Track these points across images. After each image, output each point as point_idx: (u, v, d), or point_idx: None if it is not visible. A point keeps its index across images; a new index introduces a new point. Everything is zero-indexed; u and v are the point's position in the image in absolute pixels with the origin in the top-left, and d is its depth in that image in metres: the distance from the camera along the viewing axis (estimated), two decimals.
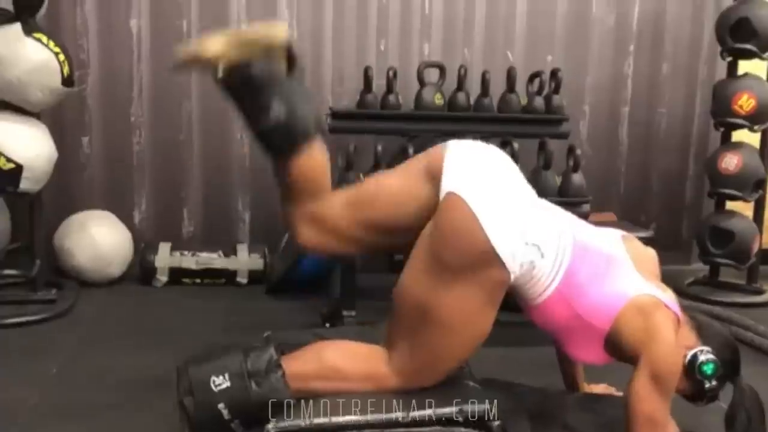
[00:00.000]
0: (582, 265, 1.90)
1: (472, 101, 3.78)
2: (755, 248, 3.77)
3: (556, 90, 3.83)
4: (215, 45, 1.84)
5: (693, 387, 1.96)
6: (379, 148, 3.49)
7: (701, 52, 4.39)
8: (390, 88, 3.72)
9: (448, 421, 1.72)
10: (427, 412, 1.71)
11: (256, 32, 1.90)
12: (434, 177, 1.90)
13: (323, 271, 3.68)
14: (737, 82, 3.66)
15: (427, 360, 1.86)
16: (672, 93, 4.40)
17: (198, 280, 3.82)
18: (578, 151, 3.51)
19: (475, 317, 1.84)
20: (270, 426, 1.71)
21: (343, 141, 3.98)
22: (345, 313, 2.99)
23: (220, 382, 1.81)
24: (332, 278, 3.46)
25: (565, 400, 2.20)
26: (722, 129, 3.82)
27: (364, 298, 3.11)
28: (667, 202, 4.50)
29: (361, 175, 3.57)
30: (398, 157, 3.45)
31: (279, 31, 1.88)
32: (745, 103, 3.60)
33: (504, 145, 3.49)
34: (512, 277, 1.82)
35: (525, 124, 3.77)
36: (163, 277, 3.78)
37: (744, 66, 3.83)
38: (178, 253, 3.81)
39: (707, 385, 1.95)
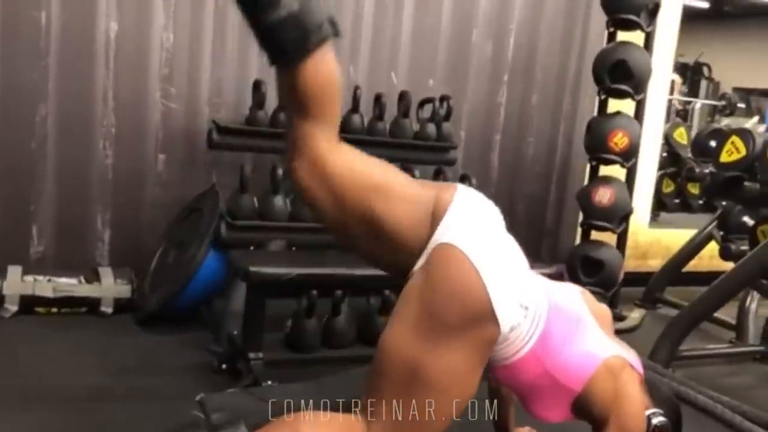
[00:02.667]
0: (555, 325, 1.85)
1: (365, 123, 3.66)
2: (621, 275, 3.99)
3: (447, 117, 3.83)
4: None
5: None
6: (249, 170, 3.28)
7: (566, 85, 4.60)
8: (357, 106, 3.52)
9: None
10: None
11: None
12: (436, 216, 1.75)
13: (205, 299, 3.40)
14: (612, 120, 3.86)
15: (415, 427, 1.71)
16: (539, 123, 4.57)
17: (55, 310, 3.35)
18: (473, 180, 3.51)
19: (467, 379, 1.71)
20: None
21: (221, 158, 3.75)
22: (252, 356, 2.73)
23: None
24: (222, 308, 3.19)
25: None
26: (595, 163, 3.99)
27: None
28: (530, 226, 4.67)
29: (255, 200, 3.34)
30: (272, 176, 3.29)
31: None
32: (620, 140, 3.80)
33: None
34: (499, 337, 1.73)
35: (417, 150, 3.72)
36: (12, 306, 3.28)
37: (613, 104, 4.05)
38: (30, 278, 3.32)
39: None
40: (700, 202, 6.19)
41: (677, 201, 6.17)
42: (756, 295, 3.98)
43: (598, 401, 1.84)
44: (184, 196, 3.69)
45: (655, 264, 5.01)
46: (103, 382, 2.72)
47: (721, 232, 4.20)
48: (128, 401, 2.60)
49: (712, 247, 4.48)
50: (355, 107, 3.63)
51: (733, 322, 4.01)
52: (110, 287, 3.44)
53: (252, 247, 3.33)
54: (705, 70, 13.18)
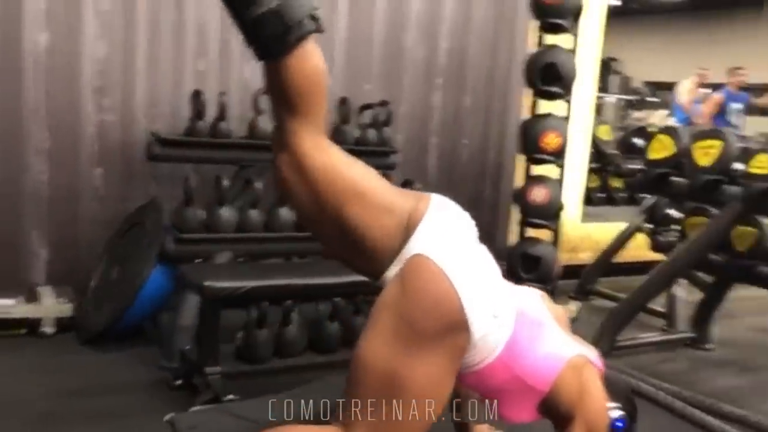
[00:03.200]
0: (522, 330, 1.92)
1: None
2: (556, 269, 4.13)
3: (386, 122, 3.88)
4: None
5: None
6: (194, 181, 3.25)
7: (496, 87, 4.72)
8: (222, 115, 3.48)
9: None
10: None
11: None
12: (411, 225, 1.79)
13: (151, 315, 3.34)
14: (544, 121, 3.98)
15: None
16: (472, 125, 4.68)
17: None
18: (417, 185, 3.57)
19: (442, 384, 1.76)
20: None
21: (160, 169, 3.70)
22: (208, 370, 2.71)
23: None
24: (171, 323, 3.14)
25: None
26: (529, 163, 4.11)
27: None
28: None
29: (201, 212, 3.31)
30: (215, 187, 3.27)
31: None
32: (552, 141, 3.92)
33: None
34: (471, 342, 1.78)
35: (359, 155, 3.73)
36: None
37: (543, 105, 4.18)
38: None
39: None
40: (623, 195, 6.48)
41: (602, 195, 6.43)
42: (684, 283, 4.20)
43: (565, 399, 1.93)
44: (123, 210, 3.62)
45: (585, 257, 5.20)
46: (54, 405, 2.65)
47: (649, 225, 4.39)
48: (84, 424, 2.54)
49: (639, 238, 4.72)
50: None
51: (663, 310, 4.21)
52: (51, 307, 3.35)
53: (199, 260, 3.30)
54: (615, 65, 13.69)
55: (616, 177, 6.01)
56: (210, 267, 3.09)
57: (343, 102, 3.76)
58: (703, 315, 3.97)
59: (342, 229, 1.75)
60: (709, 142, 3.28)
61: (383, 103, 3.88)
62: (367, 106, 3.86)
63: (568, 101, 4.09)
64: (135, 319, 3.26)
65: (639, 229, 4.70)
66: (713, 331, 4.00)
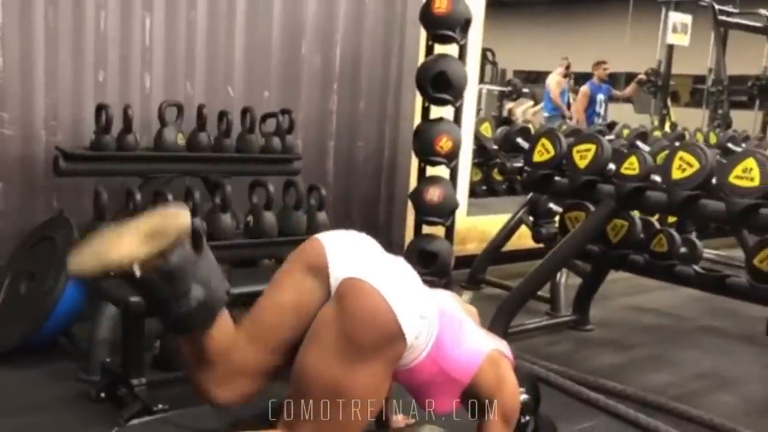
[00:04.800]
0: (446, 330, 2.16)
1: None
2: (452, 263, 4.43)
3: (290, 130, 4.02)
4: (121, 247, 1.66)
5: None
6: (105, 196, 3.30)
7: (389, 91, 4.95)
8: (128, 127, 3.52)
9: None
10: None
11: (159, 222, 1.73)
12: (318, 271, 2.01)
13: (65, 329, 3.36)
14: (437, 126, 4.25)
15: None
16: (367, 128, 4.89)
17: None
18: (322, 191, 3.74)
19: (380, 389, 1.98)
20: None
21: (62, 183, 3.68)
22: (134, 382, 2.79)
23: None
24: (88, 337, 3.18)
25: None
26: (423, 165, 4.38)
27: None
28: (365, 225, 4.98)
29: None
30: (127, 201, 3.33)
31: (181, 215, 1.74)
32: (445, 144, 4.20)
33: (216, 186, 3.59)
34: (405, 349, 2.00)
35: (264, 163, 3.89)
36: None
37: (434, 110, 4.46)
38: None
39: (523, 420, 2.38)
40: (503, 186, 6.90)
41: (484, 187, 6.82)
42: (565, 270, 4.60)
43: (484, 389, 2.20)
44: (25, 225, 3.59)
45: (472, 248, 5.55)
46: None
47: (531, 218, 4.77)
48: None
49: (520, 228, 5.11)
50: (201, 126, 3.72)
51: (547, 295, 4.59)
52: None
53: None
54: (489, 55, 14.21)
55: (502, 175, 6.40)
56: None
57: (246, 112, 3.87)
58: (583, 299, 4.38)
59: (296, 341, 2.00)
60: (585, 145, 3.64)
61: (285, 111, 4.02)
62: (269, 115, 3.99)
63: (459, 107, 4.38)
64: (48, 334, 3.27)
65: (521, 222, 5.10)
66: (591, 312, 4.43)
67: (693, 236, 3.87)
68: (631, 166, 3.47)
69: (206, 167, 3.73)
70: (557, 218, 4.35)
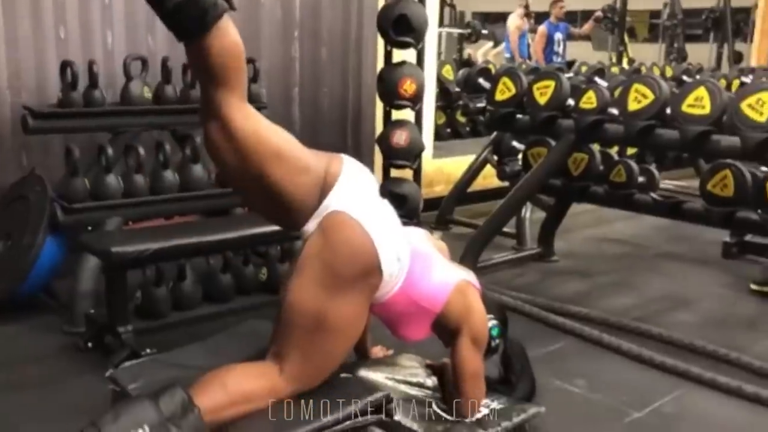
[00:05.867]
0: (416, 264, 2.30)
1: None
2: (421, 205, 4.54)
3: (254, 79, 4.06)
4: None
5: None
6: (77, 152, 3.33)
7: (350, 38, 4.99)
8: (94, 83, 3.53)
9: (362, 413, 1.98)
10: (347, 409, 1.95)
11: None
12: (328, 183, 2.06)
13: (44, 285, 3.42)
14: (400, 69, 4.29)
15: (321, 362, 2.07)
16: (331, 75, 4.94)
17: None
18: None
19: (360, 319, 2.11)
20: None
21: (29, 141, 3.70)
22: (121, 329, 2.88)
23: None
24: (70, 290, 3.25)
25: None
26: (389, 109, 4.45)
27: None
28: None
29: (86, 181, 3.39)
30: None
31: None
32: (409, 87, 4.26)
33: (185, 138, 3.64)
34: (383, 281, 2.13)
35: None
36: None
37: (396, 54, 4.51)
38: None
39: (493, 344, 2.54)
40: (467, 129, 7.02)
41: (449, 130, 6.93)
42: (529, 205, 4.75)
43: (453, 317, 2.34)
44: None
45: (440, 190, 5.68)
46: None
47: (495, 157, 4.90)
48: (10, 395, 2.63)
49: (485, 168, 5.24)
50: (166, 78, 3.74)
51: (513, 231, 4.75)
52: None
53: (90, 228, 3.40)
54: None
55: (465, 116, 6.49)
56: (112, 234, 3.21)
57: None
58: (547, 232, 4.54)
59: (264, 187, 2.01)
60: (545, 82, 3.75)
61: (249, 61, 4.04)
62: None
63: (421, 50, 4.43)
64: (29, 291, 3.33)
65: (486, 161, 5.23)
66: (556, 244, 4.61)
67: (652, 167, 4.03)
68: (589, 101, 3.60)
69: (174, 119, 3.77)
70: (520, 156, 4.48)
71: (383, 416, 2.05)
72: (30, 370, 2.84)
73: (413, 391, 2.52)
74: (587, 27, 11.24)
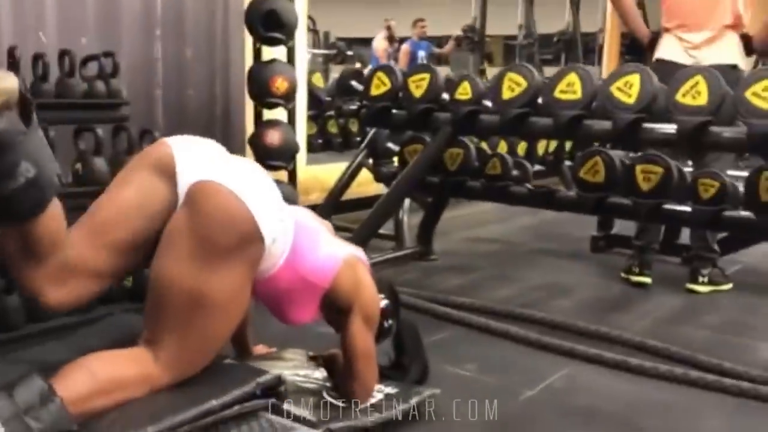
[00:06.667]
0: (302, 236, 2.15)
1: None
2: None
3: (114, 73, 3.78)
4: None
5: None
6: None
7: (217, 37, 4.80)
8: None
9: (251, 396, 1.80)
10: (234, 393, 1.76)
11: None
12: (166, 172, 1.91)
13: None
14: (271, 66, 4.16)
15: (200, 346, 1.88)
16: (197, 76, 4.72)
17: None
18: (156, 134, 3.57)
19: (242, 294, 1.93)
20: None
21: None
22: None
23: None
24: None
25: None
26: (261, 109, 4.29)
27: None
28: None
29: None
30: None
31: (9, 79, 1.58)
32: (281, 84, 4.13)
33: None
34: (264, 250, 1.96)
35: (89, 109, 3.63)
36: None
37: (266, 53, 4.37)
38: None
39: (385, 325, 2.43)
40: (339, 141, 6.94)
41: (320, 141, 6.82)
42: (407, 208, 4.70)
43: (343, 293, 2.21)
44: None
45: (315, 198, 5.53)
46: None
47: (371, 159, 4.83)
48: None
49: (361, 176, 5.16)
50: (13, 69, 3.41)
51: (392, 233, 4.68)
52: None
53: None
54: (309, 23, 14.16)
55: (340, 117, 6.41)
56: None
57: (65, 54, 3.59)
58: (426, 230, 4.51)
59: (136, 241, 1.93)
60: (420, 75, 3.73)
61: (108, 54, 3.77)
62: (90, 57, 3.72)
63: (291, 47, 4.32)
64: None
65: (362, 165, 5.15)
66: (434, 245, 4.59)
67: (524, 161, 4.10)
68: (464, 91, 3.60)
69: None
70: (396, 156, 4.44)
71: (274, 400, 1.87)
72: None
73: (302, 383, 2.37)
74: (448, 47, 11.55)
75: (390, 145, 4.63)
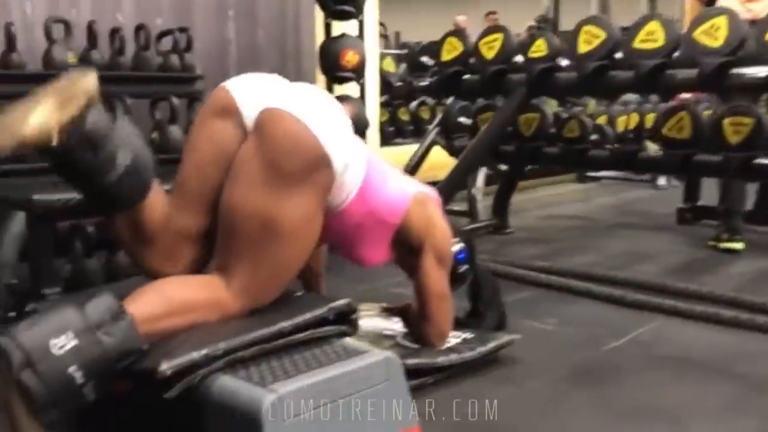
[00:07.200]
0: (373, 170, 2.09)
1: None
2: None
3: (188, 48, 3.84)
4: (33, 118, 1.52)
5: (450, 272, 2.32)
6: None
7: (287, 19, 4.83)
8: (11, 46, 3.26)
9: (323, 321, 1.74)
10: (306, 316, 1.71)
11: (68, 87, 1.60)
12: (229, 112, 1.88)
13: None
14: (341, 40, 4.14)
15: (271, 273, 1.83)
16: (268, 56, 4.76)
17: None
18: None
19: (313, 222, 1.87)
20: (164, 367, 1.50)
21: None
22: (47, 291, 2.58)
23: (64, 343, 1.52)
24: None
25: None
26: (334, 83, 4.27)
27: None
28: None
29: None
30: None
31: (89, 78, 1.62)
32: (351, 58, 4.10)
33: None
34: (335, 178, 1.91)
35: (164, 83, 3.70)
36: None
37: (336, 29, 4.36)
38: None
39: (460, 270, 2.34)
40: (411, 128, 6.88)
41: (392, 129, 6.78)
42: (480, 185, 4.58)
43: (414, 229, 2.14)
44: None
45: None
46: None
47: (444, 135, 4.76)
48: None
49: (433, 159, 5.08)
50: (92, 43, 3.50)
51: (465, 209, 4.58)
52: None
53: None
54: (381, 29, 14.20)
55: (408, 104, 6.34)
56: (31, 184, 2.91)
57: (140, 28, 3.67)
58: (502, 201, 4.40)
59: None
60: (492, 36, 3.64)
61: (182, 30, 3.83)
62: (165, 33, 3.79)
63: (361, 21, 4.29)
64: None
65: (434, 142, 5.08)
66: (509, 222, 4.47)
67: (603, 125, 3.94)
68: (539, 49, 3.49)
69: (102, 87, 3.50)
70: (470, 125, 4.35)
71: (347, 327, 1.81)
72: None
73: (377, 331, 2.31)
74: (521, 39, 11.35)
75: (462, 119, 4.54)
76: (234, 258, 1.81)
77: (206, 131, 1.92)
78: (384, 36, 13.89)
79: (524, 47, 3.60)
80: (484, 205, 4.53)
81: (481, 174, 4.47)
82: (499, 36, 3.62)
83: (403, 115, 6.72)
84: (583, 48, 3.29)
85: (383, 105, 6.40)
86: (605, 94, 4.34)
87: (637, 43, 3.15)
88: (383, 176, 2.12)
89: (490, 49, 3.63)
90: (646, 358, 2.33)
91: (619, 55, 3.31)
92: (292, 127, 1.80)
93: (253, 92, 1.90)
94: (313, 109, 1.87)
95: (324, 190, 1.88)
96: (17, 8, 3.66)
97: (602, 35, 3.24)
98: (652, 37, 3.11)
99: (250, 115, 1.85)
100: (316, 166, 1.83)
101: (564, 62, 3.50)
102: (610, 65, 3.28)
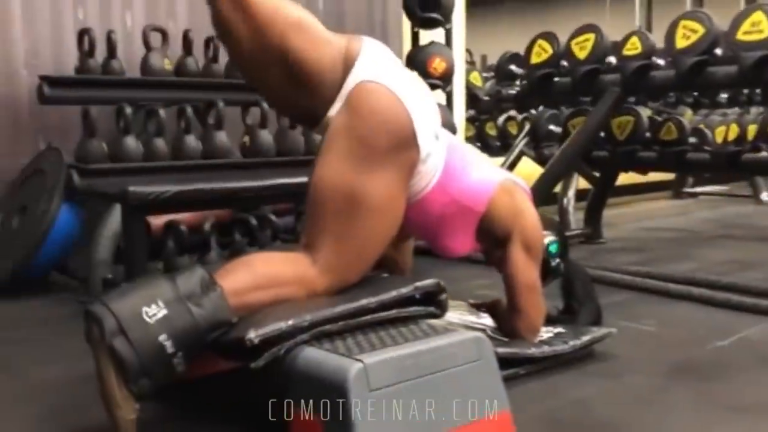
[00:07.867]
0: (454, 157, 2.04)
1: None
2: None
3: None
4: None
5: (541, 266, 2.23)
6: (94, 113, 3.17)
7: (375, 28, 4.87)
8: (112, 53, 3.40)
9: (408, 301, 1.70)
10: (392, 294, 1.67)
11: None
12: (348, 62, 1.84)
13: (57, 262, 3.21)
14: (428, 48, 4.14)
15: (357, 250, 1.80)
16: None
17: None
18: None
19: (397, 199, 1.84)
20: (251, 335, 1.49)
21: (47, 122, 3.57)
22: None
23: (155, 311, 1.53)
24: (86, 261, 3.03)
25: None
26: None
27: None
28: None
29: (104, 145, 3.22)
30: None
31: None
32: (438, 65, 4.09)
33: (207, 107, 3.47)
34: (418, 164, 1.87)
35: (253, 90, 3.75)
36: None
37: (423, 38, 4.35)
38: None
39: (552, 264, 2.25)
40: (498, 143, 6.80)
41: (478, 144, 6.71)
42: (571, 195, 4.46)
43: (501, 220, 2.07)
44: (10, 167, 3.45)
45: None
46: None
47: (532, 143, 4.66)
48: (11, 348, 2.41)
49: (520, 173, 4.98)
50: (187, 51, 3.61)
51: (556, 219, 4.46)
52: None
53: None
54: (467, 55, 14.20)
55: (496, 118, 6.27)
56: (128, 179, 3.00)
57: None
58: (594, 210, 4.25)
59: (285, 61, 1.80)
60: (584, 36, 3.55)
61: None
62: None
63: (449, 30, 4.27)
64: (44, 262, 3.11)
65: (522, 153, 4.99)
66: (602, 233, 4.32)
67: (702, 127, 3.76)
68: (633, 46, 3.38)
69: (195, 94, 3.61)
70: (560, 132, 4.25)
71: (434, 309, 1.76)
72: (40, 330, 2.59)
73: (467, 326, 2.24)
74: None
75: (552, 127, 4.44)
76: (320, 234, 1.79)
77: (329, 46, 1.84)
78: (470, 63, 13.93)
79: (618, 46, 3.49)
80: (575, 218, 4.40)
81: (573, 185, 4.34)
82: (591, 35, 3.53)
83: (491, 130, 6.65)
84: (680, 43, 3.17)
85: (469, 120, 6.35)
86: (704, 93, 4.14)
87: (741, 35, 3.00)
88: (466, 164, 2.06)
89: (581, 49, 3.54)
90: (755, 357, 2.17)
91: (718, 51, 3.15)
92: (386, 102, 1.78)
93: (378, 60, 1.85)
94: (411, 91, 1.85)
95: (409, 170, 1.86)
96: (118, 18, 3.82)
97: (700, 30, 3.11)
98: (756, 28, 2.96)
99: (355, 77, 1.81)
100: (405, 145, 1.80)
101: (660, 62, 3.37)
102: (710, 60, 3.14)
